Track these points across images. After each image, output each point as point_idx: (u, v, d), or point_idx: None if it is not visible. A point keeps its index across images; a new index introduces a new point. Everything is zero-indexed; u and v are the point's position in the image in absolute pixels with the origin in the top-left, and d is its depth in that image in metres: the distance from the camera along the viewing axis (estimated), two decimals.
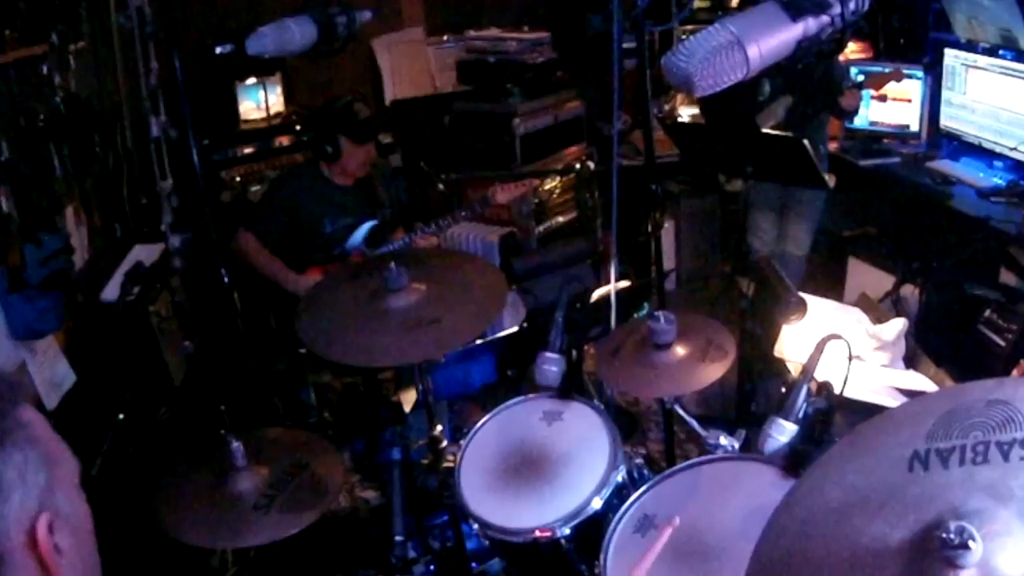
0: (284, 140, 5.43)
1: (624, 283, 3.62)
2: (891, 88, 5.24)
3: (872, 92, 5.29)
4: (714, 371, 2.48)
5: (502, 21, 6.20)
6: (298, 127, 5.45)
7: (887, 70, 5.06)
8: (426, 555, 2.92)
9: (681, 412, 2.91)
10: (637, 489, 2.28)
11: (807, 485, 1.29)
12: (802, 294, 3.03)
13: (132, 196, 4.64)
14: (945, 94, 5.18)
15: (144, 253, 4.15)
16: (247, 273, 4.02)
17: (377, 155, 4.53)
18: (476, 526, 2.41)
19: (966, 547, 1.00)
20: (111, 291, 3.82)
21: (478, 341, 3.33)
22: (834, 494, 1.21)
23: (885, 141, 5.54)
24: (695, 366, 2.50)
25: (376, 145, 4.34)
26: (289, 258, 4.09)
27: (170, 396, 4.12)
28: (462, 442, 2.64)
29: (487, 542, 2.45)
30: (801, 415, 2.08)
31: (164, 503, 2.27)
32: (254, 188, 5.16)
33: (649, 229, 3.25)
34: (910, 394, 2.92)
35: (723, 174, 5.75)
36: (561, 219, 5.87)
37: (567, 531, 2.29)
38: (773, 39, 1.74)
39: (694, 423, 2.78)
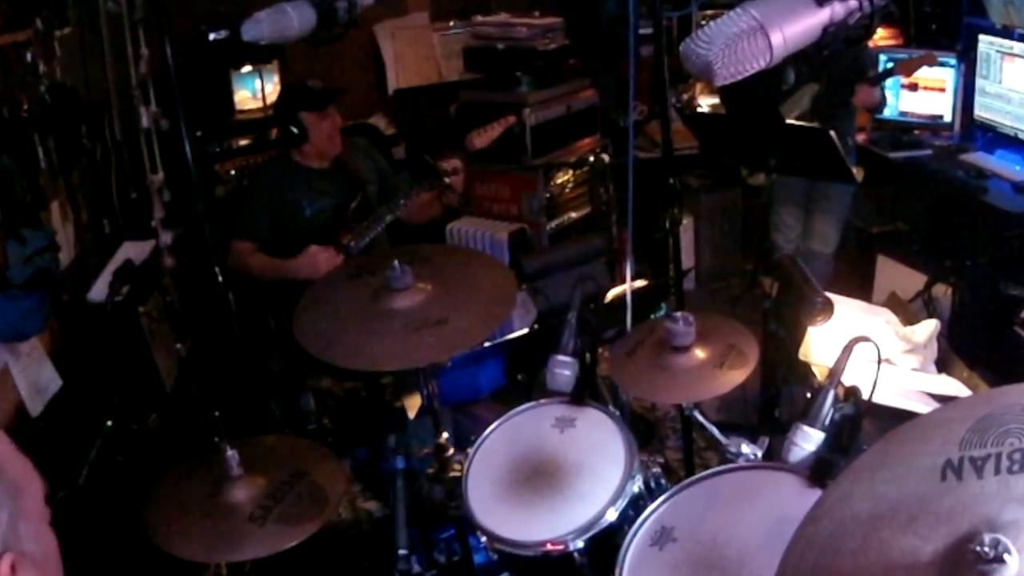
0: None
1: (640, 282, 3.62)
2: (923, 77, 5.23)
3: (903, 79, 5.28)
4: (735, 375, 2.48)
5: (512, 6, 6.20)
6: None
7: (918, 55, 5.05)
8: (431, 569, 2.92)
9: (700, 418, 2.90)
10: (654, 500, 2.28)
11: (834, 496, 1.29)
12: (828, 294, 3.02)
13: (121, 191, 4.65)
14: (979, 83, 5.17)
15: (134, 251, 4.15)
16: (247, 279, 4.04)
17: (351, 135, 4.54)
18: (484, 539, 2.41)
19: (1001, 561, 1.00)
20: (99, 291, 3.83)
21: (486, 344, 3.34)
22: (862, 505, 1.21)
23: (916, 132, 5.54)
24: (715, 370, 2.51)
25: (369, 131, 4.33)
26: (279, 253, 4.11)
27: (161, 401, 4.13)
28: (469, 450, 2.64)
29: (496, 556, 2.45)
30: (827, 422, 2.08)
31: (155, 514, 2.28)
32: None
33: (667, 225, 3.25)
34: (942, 399, 2.92)
35: (745, 167, 5.75)
36: (574, 215, 5.88)
37: (580, 544, 2.29)
38: (798, 25, 1.74)
39: (714, 430, 2.77)
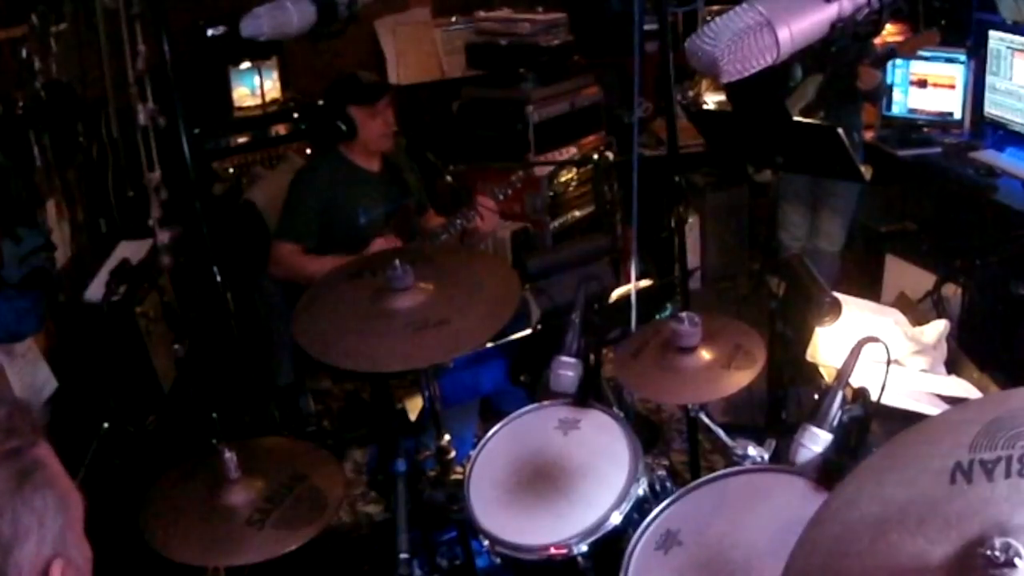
0: (281, 129, 5.43)
1: (645, 282, 3.61)
2: (932, 73, 5.22)
3: (911, 72, 5.27)
4: (742, 377, 2.48)
5: (515, 1, 6.20)
6: (296, 115, 5.44)
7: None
8: (433, 573, 2.92)
9: (706, 420, 2.89)
10: (659, 503, 2.28)
11: (841, 498, 1.29)
12: (836, 294, 3.02)
13: (118, 189, 4.66)
14: (989, 79, 5.15)
15: (131, 250, 4.16)
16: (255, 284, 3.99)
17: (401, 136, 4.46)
18: (486, 542, 2.41)
19: (1012, 565, 1.00)
20: (95, 291, 3.84)
21: (489, 344, 3.34)
22: (870, 508, 1.21)
23: (925, 130, 5.52)
24: (721, 371, 2.50)
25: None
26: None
27: (158, 403, 4.13)
28: (472, 452, 2.64)
29: (498, 560, 2.45)
30: (835, 423, 2.08)
31: (152, 518, 2.28)
32: (245, 181, 5.16)
33: (672, 224, 3.26)
34: (952, 401, 2.91)
35: (751, 165, 5.74)
36: (578, 213, 5.88)
37: (584, 548, 2.29)
38: (805, 20, 1.74)
39: (720, 432, 2.76)
